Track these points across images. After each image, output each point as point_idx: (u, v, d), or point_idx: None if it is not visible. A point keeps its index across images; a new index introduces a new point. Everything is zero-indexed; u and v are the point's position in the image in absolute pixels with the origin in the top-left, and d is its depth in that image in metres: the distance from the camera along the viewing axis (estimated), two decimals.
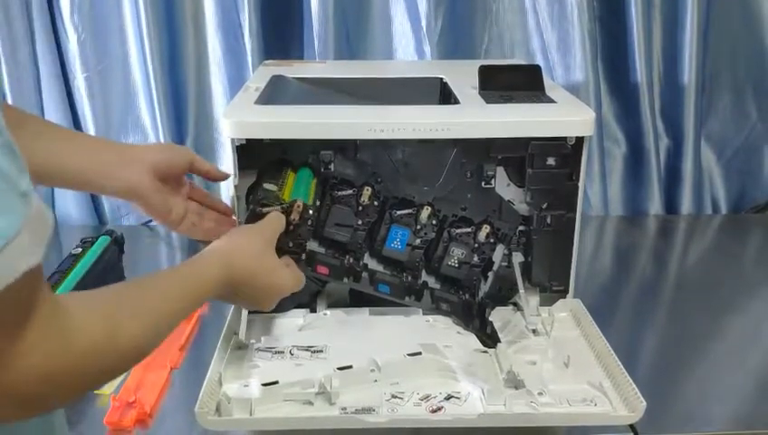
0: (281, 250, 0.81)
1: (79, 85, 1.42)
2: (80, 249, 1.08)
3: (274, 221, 0.82)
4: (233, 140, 0.87)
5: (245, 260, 0.73)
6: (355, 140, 0.91)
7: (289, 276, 0.79)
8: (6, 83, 1.37)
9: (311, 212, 0.87)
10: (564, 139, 0.89)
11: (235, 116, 0.88)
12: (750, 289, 1.20)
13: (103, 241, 1.11)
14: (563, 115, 0.91)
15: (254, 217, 0.83)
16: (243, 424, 0.75)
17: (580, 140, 0.90)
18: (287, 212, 0.84)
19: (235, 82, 1.43)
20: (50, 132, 0.77)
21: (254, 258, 0.74)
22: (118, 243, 1.14)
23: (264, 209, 0.83)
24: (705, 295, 1.16)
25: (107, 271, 1.09)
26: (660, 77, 1.45)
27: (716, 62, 1.46)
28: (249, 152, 0.89)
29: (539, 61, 1.43)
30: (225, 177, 0.89)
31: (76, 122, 1.44)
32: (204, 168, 0.87)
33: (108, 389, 0.87)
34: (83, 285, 0.99)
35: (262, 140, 0.88)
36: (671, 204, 1.50)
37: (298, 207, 0.84)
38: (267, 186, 0.87)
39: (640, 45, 1.40)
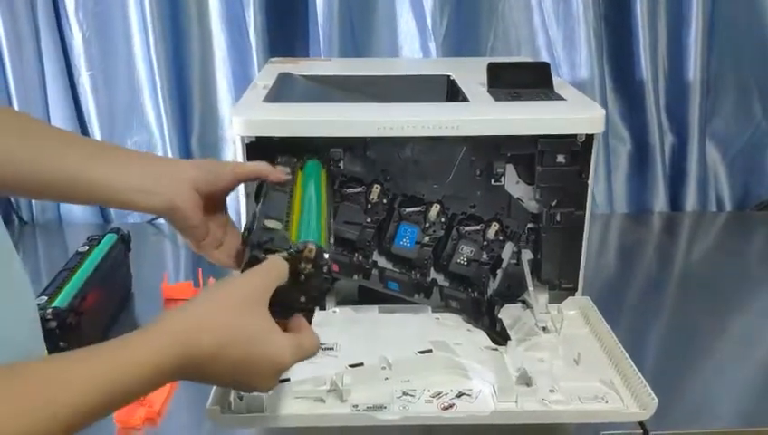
0: (288, 309, 0.64)
1: (83, 82, 1.42)
2: (86, 247, 1.08)
3: (268, 270, 0.61)
4: (242, 138, 0.87)
5: (211, 332, 0.55)
6: (364, 138, 0.91)
7: (289, 343, 0.59)
8: (11, 81, 1.37)
9: (326, 257, 0.63)
10: (574, 136, 0.89)
11: (245, 114, 0.88)
12: (755, 286, 1.20)
13: (110, 239, 1.11)
14: (573, 113, 0.91)
15: (255, 264, 0.63)
16: (255, 421, 0.75)
17: (589, 137, 0.89)
18: (296, 259, 0.62)
19: (240, 79, 1.43)
20: (59, 139, 0.69)
21: (226, 327, 0.56)
22: (124, 241, 1.14)
23: (269, 257, 0.63)
24: (709, 292, 1.16)
25: (114, 269, 1.09)
26: (665, 75, 1.46)
27: (721, 60, 1.46)
28: (258, 150, 0.88)
29: (544, 58, 1.43)
30: (281, 176, 0.77)
31: (81, 120, 1.44)
32: (245, 167, 0.77)
33: None
34: (91, 282, 0.99)
35: (271, 137, 0.88)
36: (676, 201, 1.50)
37: (310, 251, 0.62)
38: (269, 223, 0.67)
39: (646, 43, 1.41)
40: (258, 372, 0.58)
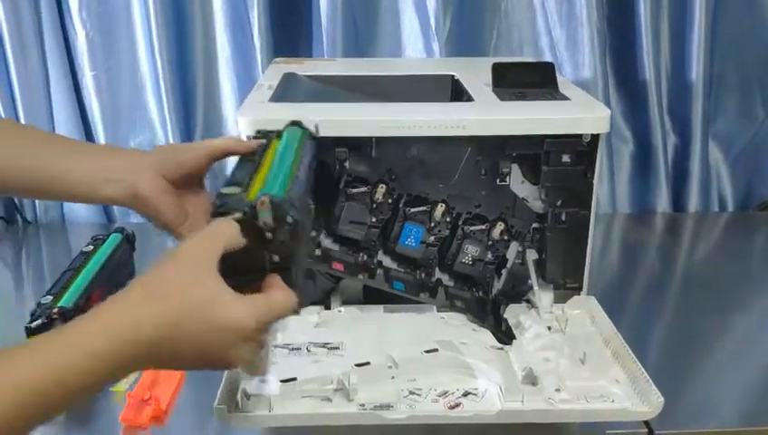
0: (261, 271, 0.59)
1: (87, 83, 1.43)
2: (91, 247, 1.08)
3: (211, 233, 0.57)
4: (248, 138, 0.87)
5: (157, 314, 0.51)
6: (370, 138, 0.92)
7: (248, 305, 0.55)
8: (15, 81, 1.37)
9: (288, 206, 0.58)
10: (580, 136, 0.90)
11: (251, 114, 0.88)
12: (757, 286, 1.20)
13: (114, 238, 1.12)
14: (579, 112, 0.91)
15: None
16: (262, 420, 0.75)
17: (595, 137, 0.90)
18: (251, 216, 0.58)
19: (244, 79, 1.43)
20: (23, 135, 0.70)
21: (171, 303, 0.52)
22: (129, 240, 1.14)
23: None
24: (712, 292, 1.16)
25: (119, 268, 1.10)
26: (668, 75, 1.46)
27: (724, 60, 1.46)
28: None
29: (547, 58, 1.44)
30: (253, 145, 0.73)
31: (84, 120, 1.45)
32: (227, 147, 0.73)
33: (123, 386, 0.87)
34: (96, 282, 0.99)
35: None
36: (678, 201, 1.51)
37: (262, 203, 0.57)
38: (225, 190, 0.62)
39: (648, 43, 1.41)
40: (219, 341, 0.54)
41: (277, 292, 0.58)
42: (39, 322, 0.87)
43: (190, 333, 0.52)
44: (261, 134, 0.77)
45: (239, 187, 0.62)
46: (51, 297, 0.92)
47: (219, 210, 0.58)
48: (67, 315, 0.89)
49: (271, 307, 0.56)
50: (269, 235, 0.58)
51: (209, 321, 0.53)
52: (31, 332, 0.87)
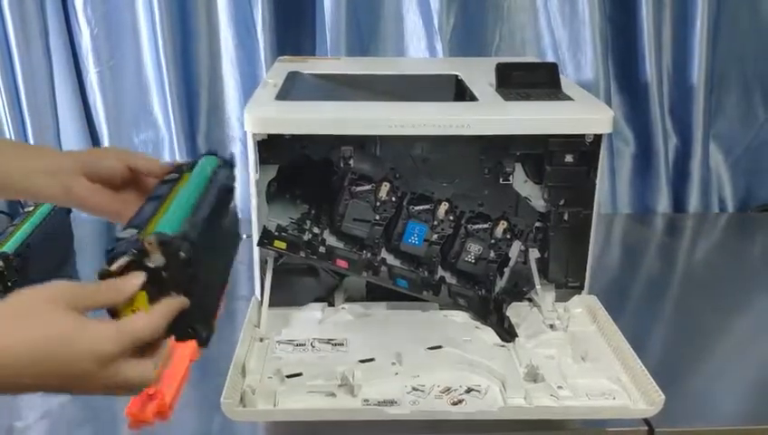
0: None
1: (91, 80, 1.43)
2: (31, 207, 1.17)
3: (80, 290, 0.55)
4: (254, 135, 0.88)
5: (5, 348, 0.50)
6: (375, 136, 0.92)
7: (107, 331, 0.53)
8: (20, 78, 1.38)
9: (178, 242, 0.57)
10: (583, 136, 0.90)
11: (258, 112, 0.89)
12: (757, 286, 1.21)
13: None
14: (582, 113, 0.92)
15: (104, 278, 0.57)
16: (268, 415, 0.76)
17: (597, 137, 0.90)
18: (141, 258, 0.56)
19: (248, 77, 1.43)
20: None
21: (20, 339, 0.50)
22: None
23: (112, 267, 0.56)
24: (712, 292, 1.17)
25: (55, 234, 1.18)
26: (670, 76, 1.47)
27: (725, 62, 1.47)
28: (269, 147, 0.89)
29: (550, 59, 1.44)
30: (164, 171, 0.72)
31: (89, 117, 1.45)
32: (145, 167, 0.73)
33: None
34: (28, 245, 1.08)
35: (282, 135, 0.89)
36: (679, 202, 1.51)
37: (150, 244, 0.56)
38: (122, 233, 0.60)
39: (650, 45, 1.41)
40: (79, 369, 0.52)
41: (134, 317, 0.56)
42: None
43: (45, 366, 0.51)
44: (174, 167, 0.74)
45: (136, 229, 0.60)
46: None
47: (109, 256, 0.57)
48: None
49: (126, 330, 0.54)
50: (163, 273, 0.56)
51: (64, 353, 0.51)
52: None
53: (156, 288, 0.56)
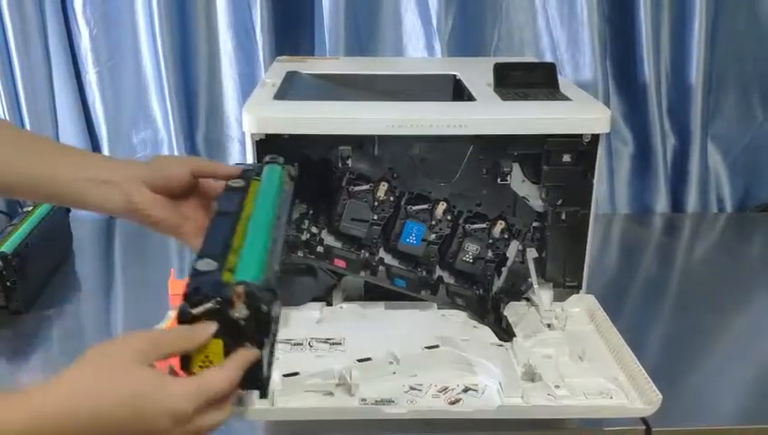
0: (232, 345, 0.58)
1: (90, 80, 1.43)
2: (30, 207, 1.16)
3: (160, 336, 0.57)
4: (252, 135, 0.88)
5: (86, 398, 0.52)
6: (373, 136, 0.92)
7: (184, 390, 0.54)
8: (19, 77, 1.38)
9: (263, 295, 0.56)
10: (580, 136, 0.90)
11: (257, 111, 0.89)
12: (755, 286, 1.21)
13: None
14: (580, 113, 0.92)
15: (186, 322, 0.57)
16: (265, 414, 0.76)
17: (595, 137, 0.91)
18: (226, 307, 0.56)
19: (247, 77, 1.44)
20: (22, 140, 0.72)
21: (101, 391, 0.53)
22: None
23: (195, 311, 0.56)
24: (710, 292, 1.17)
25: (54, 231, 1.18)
26: (668, 77, 1.47)
27: (723, 62, 1.47)
28: (267, 147, 0.89)
29: (548, 59, 1.44)
30: (234, 173, 0.74)
31: (87, 117, 1.45)
32: (209, 169, 0.74)
33: None
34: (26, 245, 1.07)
35: (280, 135, 0.89)
36: (677, 202, 1.52)
37: (238, 296, 0.56)
38: (200, 265, 0.59)
39: (648, 45, 1.42)
40: (154, 427, 0.54)
41: (212, 371, 0.57)
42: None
43: (120, 418, 0.53)
44: (240, 171, 0.75)
45: (214, 260, 0.59)
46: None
47: (192, 299, 0.56)
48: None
49: (205, 388, 0.55)
50: (242, 322, 0.57)
51: (145, 409, 0.53)
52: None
53: (231, 337, 0.56)
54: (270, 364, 0.59)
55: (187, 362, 0.57)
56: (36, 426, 0.50)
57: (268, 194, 0.71)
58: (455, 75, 1.12)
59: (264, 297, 0.56)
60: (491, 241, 0.96)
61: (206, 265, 0.59)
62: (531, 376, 0.81)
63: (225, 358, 0.56)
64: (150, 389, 0.53)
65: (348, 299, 0.97)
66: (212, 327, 0.56)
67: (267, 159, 0.77)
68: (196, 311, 0.56)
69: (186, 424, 0.54)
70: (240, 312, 0.56)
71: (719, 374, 0.95)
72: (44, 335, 1.03)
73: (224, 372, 0.56)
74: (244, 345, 0.57)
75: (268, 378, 0.59)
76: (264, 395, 0.61)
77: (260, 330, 0.57)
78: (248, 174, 0.74)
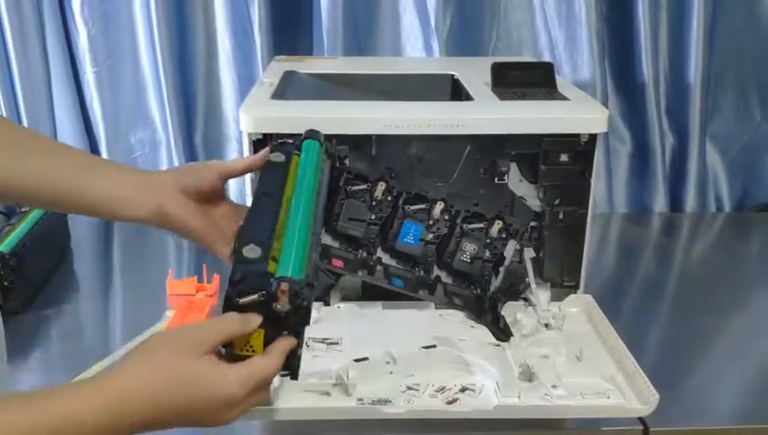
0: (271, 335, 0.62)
1: (89, 80, 1.43)
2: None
3: (215, 328, 0.60)
4: (249, 135, 0.88)
5: (145, 388, 0.55)
6: (371, 136, 0.92)
7: (236, 375, 0.59)
8: (17, 77, 1.38)
9: (304, 292, 0.60)
10: (578, 136, 0.90)
11: (254, 111, 0.89)
12: (753, 285, 1.21)
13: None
14: (577, 112, 0.92)
15: (231, 309, 0.60)
16: (262, 414, 0.76)
17: (593, 137, 0.91)
18: (270, 299, 0.59)
19: (245, 77, 1.44)
20: (43, 147, 0.71)
21: (157, 381, 0.56)
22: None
23: (241, 301, 0.60)
24: (708, 292, 1.17)
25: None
26: (666, 76, 1.47)
27: (722, 61, 1.48)
28: (264, 147, 0.89)
29: (546, 59, 1.44)
30: (263, 159, 0.76)
31: (85, 117, 1.45)
32: (234, 166, 0.77)
33: None
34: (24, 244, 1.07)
35: (278, 134, 0.89)
36: (676, 202, 1.52)
37: (283, 292, 0.59)
38: (247, 251, 0.62)
39: (647, 45, 1.42)
40: (209, 409, 0.58)
41: (259, 358, 0.61)
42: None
43: (178, 404, 0.57)
44: (278, 143, 0.77)
45: (260, 247, 0.62)
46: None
47: (239, 287, 0.60)
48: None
49: (254, 374, 0.60)
50: (283, 314, 0.60)
51: (200, 393, 0.57)
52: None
53: (272, 326, 0.61)
54: (301, 350, 0.64)
55: (229, 345, 0.61)
56: (114, 410, 0.53)
57: (308, 173, 0.73)
58: (453, 75, 1.12)
59: (305, 294, 0.60)
60: (488, 241, 0.96)
61: (252, 251, 0.61)
62: (528, 376, 0.81)
63: (266, 344, 0.61)
64: (207, 375, 0.58)
65: (345, 299, 0.97)
66: (259, 319, 0.60)
67: (306, 133, 0.79)
68: (242, 301, 0.60)
69: (236, 407, 0.59)
70: (283, 306, 0.60)
71: (717, 374, 0.95)
72: (42, 335, 1.03)
73: (270, 359, 0.60)
74: (282, 334, 0.61)
75: (299, 362, 0.63)
76: (294, 377, 0.64)
77: (299, 322, 0.61)
78: (288, 147, 0.76)
